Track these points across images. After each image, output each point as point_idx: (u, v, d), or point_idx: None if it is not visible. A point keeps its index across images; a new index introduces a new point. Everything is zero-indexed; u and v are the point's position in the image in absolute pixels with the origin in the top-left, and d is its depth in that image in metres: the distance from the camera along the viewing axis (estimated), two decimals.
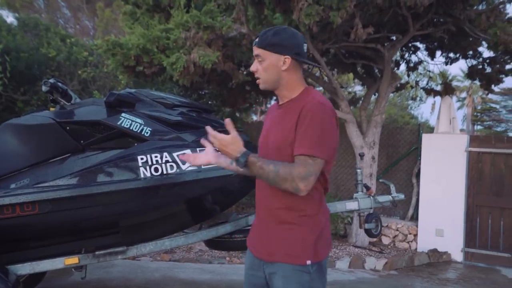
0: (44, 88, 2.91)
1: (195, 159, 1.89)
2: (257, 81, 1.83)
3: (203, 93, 8.48)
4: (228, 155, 1.71)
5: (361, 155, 4.15)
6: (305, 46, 1.78)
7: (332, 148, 1.69)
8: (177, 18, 5.56)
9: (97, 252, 2.73)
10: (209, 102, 8.02)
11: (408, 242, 6.77)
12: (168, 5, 6.06)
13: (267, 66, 1.76)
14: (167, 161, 2.74)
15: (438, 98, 7.85)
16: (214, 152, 1.84)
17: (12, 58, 6.83)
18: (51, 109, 3.09)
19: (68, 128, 2.83)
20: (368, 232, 3.66)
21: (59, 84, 2.97)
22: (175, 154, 2.77)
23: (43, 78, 7.15)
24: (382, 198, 3.72)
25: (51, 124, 2.82)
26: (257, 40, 1.78)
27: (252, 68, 1.81)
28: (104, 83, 7.95)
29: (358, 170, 3.79)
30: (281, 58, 1.74)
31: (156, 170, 2.71)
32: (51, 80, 2.91)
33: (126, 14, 6.82)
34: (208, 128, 1.73)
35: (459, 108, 21.36)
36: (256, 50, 1.77)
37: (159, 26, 5.71)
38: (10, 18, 13.84)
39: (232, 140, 1.68)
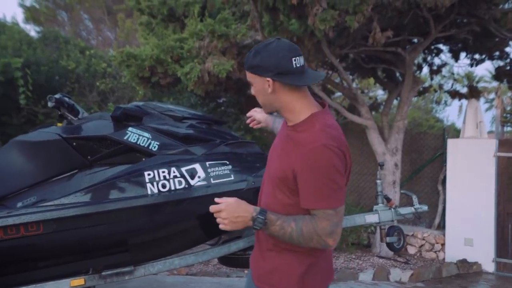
0: (49, 104, 2.85)
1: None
2: None
3: (221, 101, 8.43)
4: (244, 220, 1.50)
5: (381, 165, 3.93)
6: (296, 61, 1.52)
7: (344, 188, 1.54)
8: (191, 27, 5.52)
9: (103, 273, 2.64)
10: (227, 111, 7.94)
11: (435, 252, 6.49)
12: (183, 14, 6.04)
13: (256, 90, 1.61)
14: (175, 176, 2.65)
15: (464, 100, 7.57)
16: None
17: (32, 71, 6.92)
18: (59, 124, 3.04)
19: (74, 143, 2.76)
20: (390, 246, 3.48)
21: (66, 99, 2.92)
22: (183, 169, 2.67)
23: (63, 90, 7.22)
24: (404, 210, 3.53)
25: (58, 140, 2.76)
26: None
27: (251, 92, 1.68)
28: (122, 94, 8.00)
29: (378, 181, 3.61)
30: (264, 80, 1.55)
31: (163, 186, 2.62)
32: (56, 96, 2.86)
33: (143, 25, 6.85)
34: (213, 208, 1.53)
35: (487, 109, 20.69)
36: (246, 74, 1.63)
37: (173, 36, 5.68)
38: (33, 32, 14.17)
39: (236, 202, 1.51)
